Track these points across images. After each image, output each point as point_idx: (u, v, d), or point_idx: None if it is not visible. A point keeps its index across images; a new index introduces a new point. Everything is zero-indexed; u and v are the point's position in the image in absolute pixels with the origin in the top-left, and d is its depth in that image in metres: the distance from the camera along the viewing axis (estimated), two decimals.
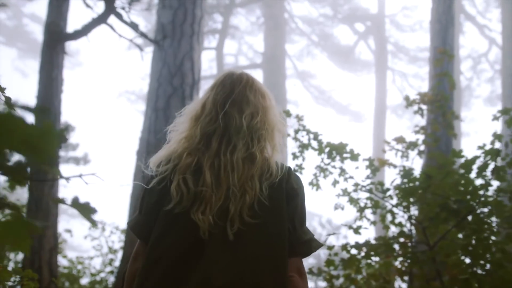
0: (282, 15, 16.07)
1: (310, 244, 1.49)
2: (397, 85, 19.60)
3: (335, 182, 3.99)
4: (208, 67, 19.07)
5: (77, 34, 5.24)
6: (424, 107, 4.08)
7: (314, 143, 4.00)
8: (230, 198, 1.39)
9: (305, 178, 4.05)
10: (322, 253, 24.54)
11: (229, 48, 23.14)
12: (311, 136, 4.05)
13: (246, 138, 1.45)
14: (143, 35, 5.46)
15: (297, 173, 1.75)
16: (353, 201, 3.84)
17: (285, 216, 1.44)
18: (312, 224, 28.66)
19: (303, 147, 4.05)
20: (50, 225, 5.69)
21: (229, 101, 1.49)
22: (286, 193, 1.47)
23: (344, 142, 3.62)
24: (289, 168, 1.53)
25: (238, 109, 1.48)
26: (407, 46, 19.46)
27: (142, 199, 1.53)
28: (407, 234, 3.42)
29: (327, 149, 3.82)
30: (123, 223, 8.00)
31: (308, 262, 24.40)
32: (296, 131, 4.09)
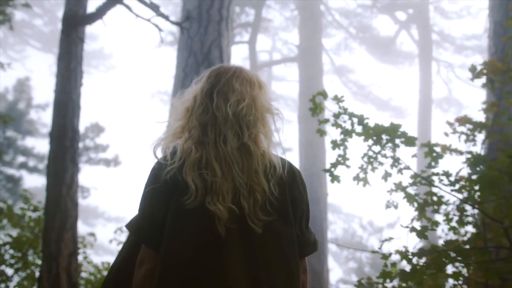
0: (318, 7, 15.33)
1: (316, 244, 1.51)
2: (442, 76, 18.43)
3: (386, 175, 3.30)
4: (242, 64, 18.59)
5: (92, 17, 4.79)
6: (493, 78, 3.32)
7: (359, 129, 3.34)
8: (239, 192, 1.36)
9: (350, 171, 3.38)
10: (364, 256, 23.53)
11: (262, 44, 22.53)
12: (355, 120, 3.39)
13: (235, 127, 1.41)
14: (164, 17, 4.94)
15: (297, 168, 1.57)
16: (410, 198, 3.14)
17: (292, 217, 1.42)
18: (352, 226, 27.60)
19: (346, 133, 3.38)
20: (69, 227, 5.23)
21: (215, 91, 1.46)
22: (292, 193, 1.44)
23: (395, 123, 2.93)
24: (290, 164, 1.48)
25: (224, 98, 1.44)
26: (453, 35, 18.26)
27: (145, 204, 1.43)
28: (482, 236, 2.70)
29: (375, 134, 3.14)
30: None
31: (348, 266, 23.39)
32: (337, 115, 3.43)
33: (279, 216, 1.39)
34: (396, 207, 3.31)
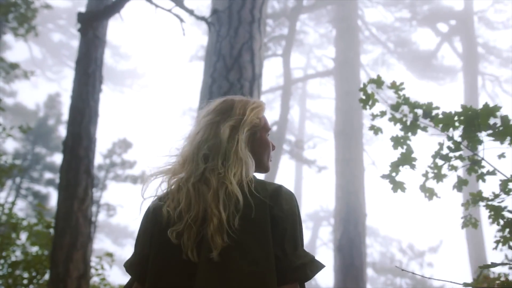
0: (355, 21, 14.67)
1: (304, 269, 1.41)
2: (488, 91, 17.32)
3: (461, 183, 2.55)
4: (275, 83, 18.06)
5: (109, 11, 4.29)
6: None
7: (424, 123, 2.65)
8: (208, 217, 1.40)
9: (413, 178, 2.66)
10: (404, 282, 22.15)
11: (296, 61, 21.95)
12: (419, 112, 2.69)
13: (223, 156, 1.48)
14: (188, 10, 4.40)
15: (289, 191, 1.51)
16: (495, 212, 2.38)
17: (269, 239, 1.41)
18: (390, 250, 26.28)
19: (408, 129, 2.68)
20: (80, 246, 4.64)
21: (211, 122, 1.54)
22: (272, 216, 1.43)
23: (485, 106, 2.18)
24: (279, 187, 1.50)
25: (216, 128, 1.53)
26: (498, 47, 17.17)
27: (138, 239, 1.57)
28: None
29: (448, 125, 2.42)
30: None
31: None
32: (396, 107, 2.73)
33: (252, 235, 1.40)
34: (475, 225, 2.54)
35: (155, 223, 1.48)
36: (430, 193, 2.62)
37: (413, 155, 2.51)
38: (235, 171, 1.45)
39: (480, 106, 2.16)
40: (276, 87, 14.66)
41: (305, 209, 24.74)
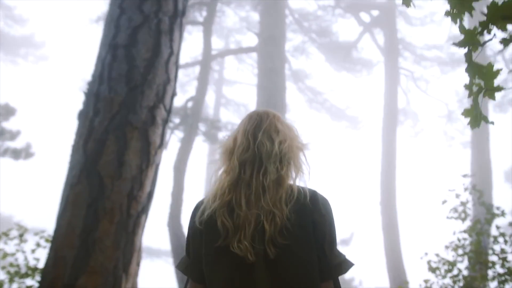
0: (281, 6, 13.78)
1: (340, 267, 1.58)
2: (402, 85, 17.42)
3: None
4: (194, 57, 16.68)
5: None
6: None
7: None
8: (262, 220, 1.51)
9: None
10: None
11: (216, 41, 20.71)
12: None
13: (276, 162, 1.58)
14: None
15: (324, 196, 1.64)
16: None
17: (313, 241, 1.53)
18: None
19: None
20: None
21: (260, 131, 1.63)
22: (313, 219, 1.54)
23: None
24: (315, 192, 1.61)
25: (268, 137, 1.62)
26: (414, 43, 17.36)
27: (188, 243, 1.68)
28: None
29: None
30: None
31: None
32: None
33: (298, 240, 1.51)
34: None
35: (208, 224, 1.57)
36: (481, 120, 1.63)
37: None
38: (288, 176, 1.60)
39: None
40: (194, 62, 13.31)
41: None
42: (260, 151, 1.58)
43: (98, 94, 4.31)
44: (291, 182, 1.59)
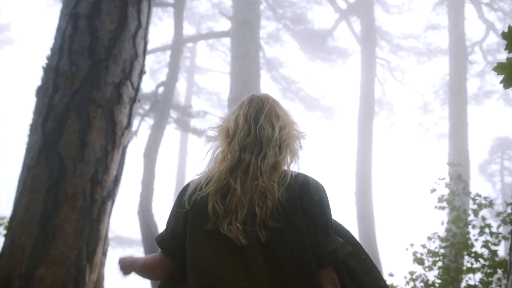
0: None
1: (336, 253, 1.53)
2: (378, 75, 17.37)
3: None
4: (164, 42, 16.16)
5: None
6: None
7: None
8: (254, 203, 1.51)
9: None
10: None
11: (187, 27, 20.18)
12: None
13: (276, 148, 1.59)
14: None
15: (316, 181, 1.63)
16: None
17: (303, 226, 1.51)
18: None
19: None
20: None
21: (262, 115, 1.63)
22: (303, 204, 1.53)
23: None
24: (307, 177, 1.61)
25: (269, 122, 1.63)
26: (391, 32, 17.29)
27: (170, 219, 1.67)
28: None
29: None
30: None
31: None
32: None
33: (288, 225, 1.50)
34: None
35: (196, 206, 1.56)
36: None
37: None
38: (284, 161, 1.62)
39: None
40: (164, 47, 12.87)
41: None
42: (261, 136, 1.58)
43: (58, 69, 3.94)
44: (285, 167, 1.60)
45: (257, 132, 1.59)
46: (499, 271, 4.23)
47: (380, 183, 21.63)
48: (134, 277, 1.83)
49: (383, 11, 16.76)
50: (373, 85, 15.41)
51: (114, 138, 4.01)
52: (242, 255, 1.47)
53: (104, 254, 4.18)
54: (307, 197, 1.53)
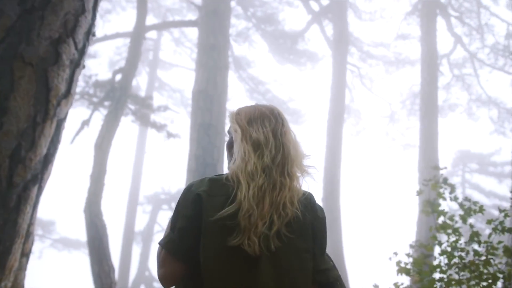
0: None
1: (327, 274, 1.64)
2: (347, 81, 16.92)
3: None
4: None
5: None
6: None
7: None
8: (274, 213, 1.54)
9: None
10: None
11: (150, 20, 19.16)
12: None
13: (296, 166, 1.65)
14: None
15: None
16: None
17: (310, 239, 1.60)
18: None
19: None
20: None
21: (283, 132, 1.68)
22: (312, 220, 1.62)
23: None
24: (310, 194, 1.69)
25: (288, 139, 1.68)
26: (361, 39, 16.93)
27: (176, 220, 1.62)
28: None
29: None
30: None
31: None
32: None
33: (300, 236, 1.57)
34: None
35: (209, 212, 1.54)
36: None
37: None
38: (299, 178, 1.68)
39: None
40: (126, 33, 11.92)
41: (144, 191, 21.94)
42: (286, 152, 1.64)
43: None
44: (299, 179, 1.66)
45: (283, 148, 1.64)
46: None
47: (347, 189, 21.25)
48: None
49: (356, 17, 16.39)
50: (344, 90, 14.94)
51: (46, 107, 3.14)
52: (254, 265, 1.49)
53: (26, 255, 3.28)
54: (314, 213, 1.64)
